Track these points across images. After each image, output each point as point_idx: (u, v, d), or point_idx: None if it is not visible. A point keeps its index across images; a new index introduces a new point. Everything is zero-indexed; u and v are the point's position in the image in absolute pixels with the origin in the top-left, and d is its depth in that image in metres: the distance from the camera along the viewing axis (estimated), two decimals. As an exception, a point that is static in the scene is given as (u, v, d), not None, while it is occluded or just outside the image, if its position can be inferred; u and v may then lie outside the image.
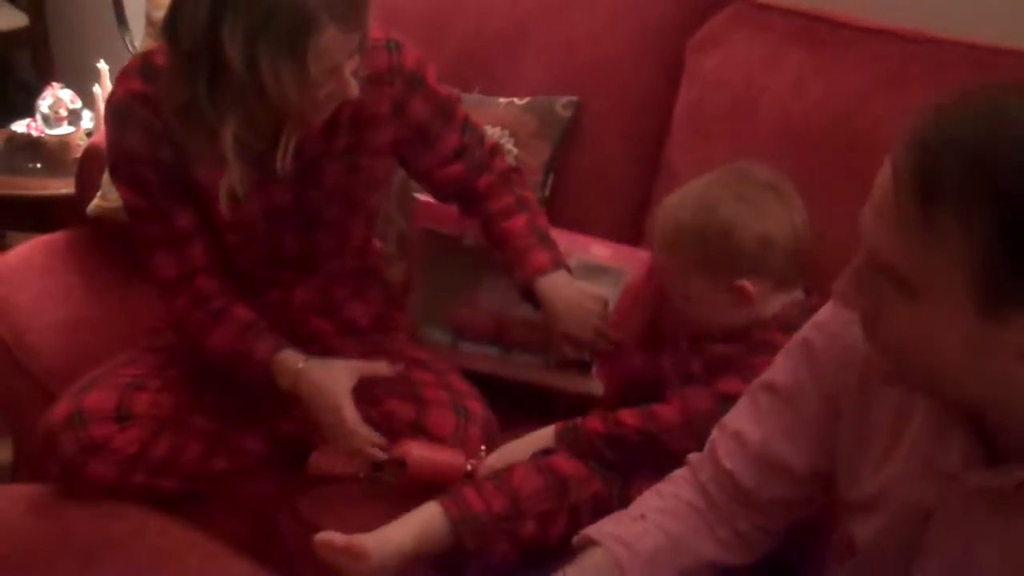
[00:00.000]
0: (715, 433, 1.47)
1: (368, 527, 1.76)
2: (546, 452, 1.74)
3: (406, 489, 1.76)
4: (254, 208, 1.84)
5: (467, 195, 2.04)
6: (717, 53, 2.14)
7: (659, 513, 1.43)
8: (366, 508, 1.80)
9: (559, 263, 1.95)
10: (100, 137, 2.67)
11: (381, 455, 1.79)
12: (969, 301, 1.03)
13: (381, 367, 1.88)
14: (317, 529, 1.81)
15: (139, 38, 2.97)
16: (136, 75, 1.81)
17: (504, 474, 1.69)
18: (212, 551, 1.74)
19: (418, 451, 1.79)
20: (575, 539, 1.44)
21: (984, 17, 1.95)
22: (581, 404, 1.94)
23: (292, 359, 1.84)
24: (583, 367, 2.01)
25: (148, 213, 1.85)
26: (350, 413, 1.81)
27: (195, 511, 1.85)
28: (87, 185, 2.54)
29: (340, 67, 1.70)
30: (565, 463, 1.70)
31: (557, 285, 1.92)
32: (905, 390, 1.24)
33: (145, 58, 1.83)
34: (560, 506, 1.65)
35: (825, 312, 1.36)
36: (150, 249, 1.87)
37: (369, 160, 1.93)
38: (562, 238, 2.05)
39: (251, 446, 1.95)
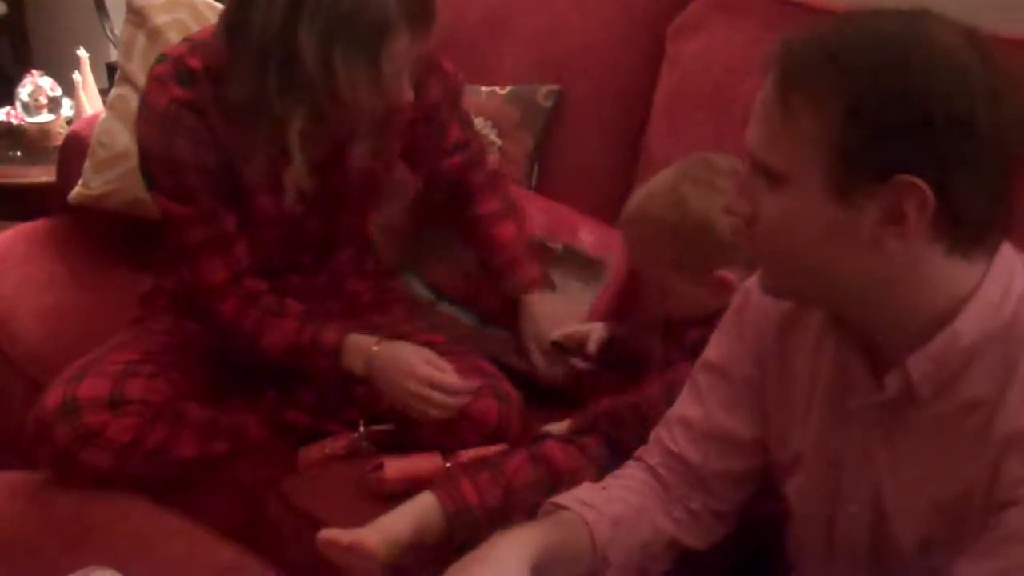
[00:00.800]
0: (659, 426, 1.50)
1: (356, 512, 1.77)
2: (541, 438, 1.74)
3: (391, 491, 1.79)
4: (290, 198, 1.84)
5: (459, 190, 2.10)
6: (697, 39, 2.15)
7: (619, 488, 1.46)
8: (354, 493, 1.82)
9: (548, 280, 2.04)
10: (81, 125, 2.67)
11: (463, 401, 1.84)
12: (824, 185, 1.12)
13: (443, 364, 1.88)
14: (305, 514, 1.82)
15: (119, 25, 2.96)
16: (173, 82, 1.80)
17: (500, 464, 1.69)
18: (198, 537, 1.74)
19: (394, 471, 1.80)
20: (542, 507, 1.46)
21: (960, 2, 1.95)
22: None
23: (364, 340, 1.88)
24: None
25: (194, 219, 1.84)
26: (442, 362, 1.85)
27: (183, 497, 1.85)
28: (68, 173, 2.53)
29: (402, 72, 1.74)
30: (560, 454, 1.70)
31: (542, 301, 2.01)
32: (790, 300, 1.32)
33: (176, 63, 1.82)
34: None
35: (752, 279, 1.41)
36: (194, 255, 1.87)
37: (390, 142, 1.95)
38: (553, 217, 2.10)
39: (251, 429, 1.96)
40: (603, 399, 1.76)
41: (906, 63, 1.08)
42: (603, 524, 1.39)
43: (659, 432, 1.49)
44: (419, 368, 1.83)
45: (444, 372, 1.85)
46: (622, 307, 2.08)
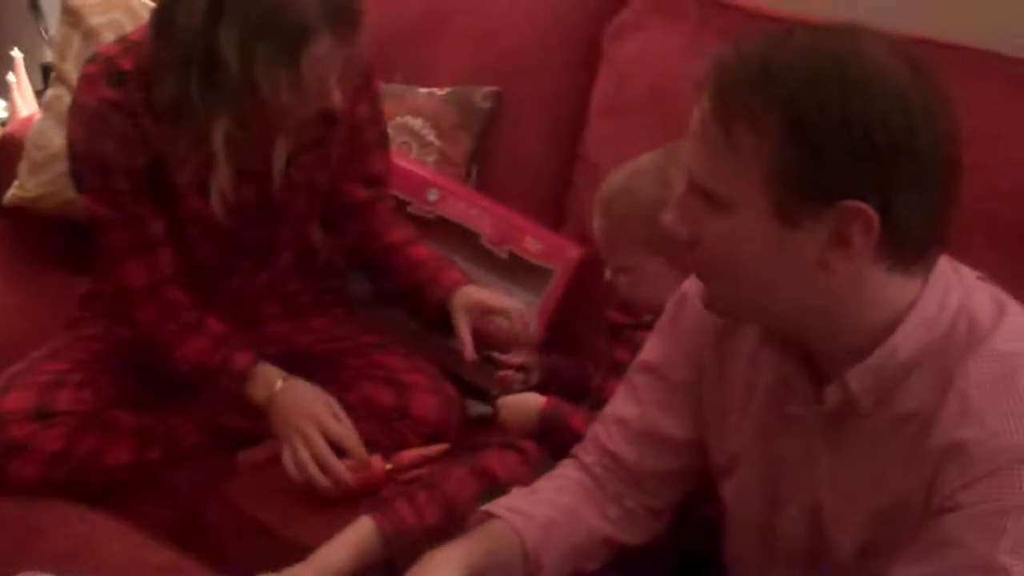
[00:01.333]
0: (596, 424, 1.51)
1: (296, 514, 1.78)
2: (482, 446, 1.74)
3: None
4: (216, 204, 1.82)
5: (363, 226, 2.05)
6: (635, 41, 2.16)
7: (550, 490, 1.47)
8: (293, 495, 1.81)
9: (470, 280, 1.98)
10: (16, 126, 2.64)
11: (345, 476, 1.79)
12: (768, 209, 1.12)
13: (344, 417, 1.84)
14: (248, 517, 1.82)
15: (53, 26, 2.93)
16: (102, 82, 1.78)
17: (439, 481, 1.68)
18: (135, 539, 1.73)
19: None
20: (473, 517, 1.46)
21: (896, 7, 1.98)
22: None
23: (272, 374, 1.84)
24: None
25: (118, 222, 1.83)
26: (345, 419, 1.81)
27: (121, 500, 1.84)
28: (3, 175, 2.50)
29: (327, 76, 1.71)
30: (500, 466, 1.69)
31: (472, 290, 1.95)
32: (732, 319, 1.33)
33: (108, 63, 1.80)
34: None
35: (689, 281, 1.42)
36: (118, 258, 1.85)
37: (333, 153, 1.93)
38: (497, 222, 2.09)
39: (186, 434, 1.95)
40: (576, 415, 1.74)
41: (842, 84, 1.08)
42: (533, 529, 1.40)
43: (596, 429, 1.50)
44: (316, 405, 1.80)
45: (346, 433, 1.80)
46: (566, 317, 2.09)
